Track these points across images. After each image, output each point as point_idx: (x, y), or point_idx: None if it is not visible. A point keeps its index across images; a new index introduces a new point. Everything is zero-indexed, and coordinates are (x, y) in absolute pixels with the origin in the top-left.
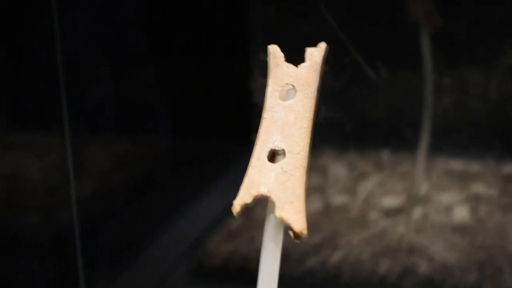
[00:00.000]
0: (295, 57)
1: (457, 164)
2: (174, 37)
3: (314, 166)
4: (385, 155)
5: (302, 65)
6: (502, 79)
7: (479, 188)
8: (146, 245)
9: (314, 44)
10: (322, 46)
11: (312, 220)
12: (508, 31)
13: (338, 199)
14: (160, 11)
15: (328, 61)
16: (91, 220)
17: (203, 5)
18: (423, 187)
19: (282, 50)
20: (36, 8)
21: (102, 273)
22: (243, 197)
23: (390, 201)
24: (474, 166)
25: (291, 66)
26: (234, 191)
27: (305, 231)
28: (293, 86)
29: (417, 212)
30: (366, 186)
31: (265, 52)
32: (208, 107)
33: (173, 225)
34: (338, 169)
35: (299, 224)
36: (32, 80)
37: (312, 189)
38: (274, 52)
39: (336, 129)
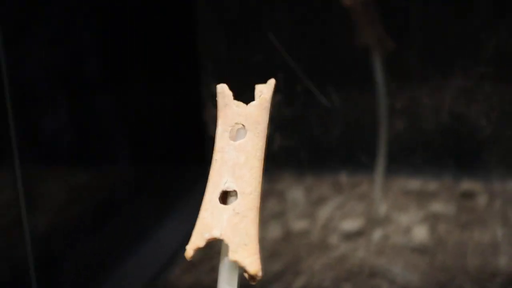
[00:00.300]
0: (245, 88)
1: (414, 184)
2: (128, 66)
3: (272, 192)
4: (342, 178)
5: (252, 103)
6: (453, 100)
7: (437, 207)
8: (105, 278)
9: (266, 73)
10: (271, 82)
11: (273, 247)
12: (458, 53)
13: (298, 224)
14: (113, 39)
15: (280, 89)
16: (47, 256)
17: (157, 33)
18: (382, 209)
19: (232, 81)
20: None
21: None
22: (195, 241)
23: (350, 224)
24: (431, 185)
25: (240, 104)
26: (191, 221)
27: (260, 273)
28: (243, 125)
29: (377, 234)
30: (325, 210)
31: (215, 82)
32: (163, 136)
33: (133, 257)
34: (296, 194)
35: (253, 266)
36: None
37: (271, 215)
38: (223, 91)
39: (292, 155)
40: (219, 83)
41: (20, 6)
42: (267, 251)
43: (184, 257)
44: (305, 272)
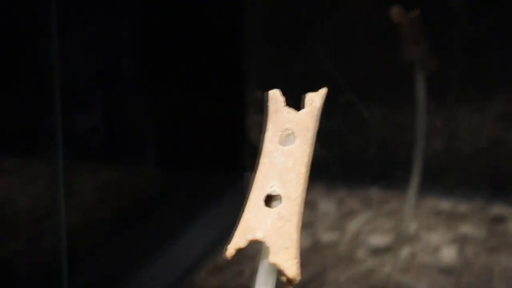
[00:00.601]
0: (286, 97)
1: (445, 205)
2: (170, 68)
3: (304, 203)
4: (374, 193)
5: (303, 110)
6: (492, 123)
7: (466, 229)
8: (132, 277)
9: (309, 83)
10: (323, 91)
11: (300, 256)
12: (500, 76)
13: (326, 235)
14: (156, 41)
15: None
16: (77, 249)
17: (200, 38)
18: (411, 227)
19: (277, 88)
20: (35, 32)
21: None
22: (238, 242)
23: (378, 239)
24: (462, 207)
25: (291, 110)
26: (221, 225)
27: (298, 277)
28: (292, 131)
29: (404, 252)
30: (355, 224)
31: (259, 89)
32: (200, 140)
33: (160, 257)
34: (327, 205)
35: (293, 270)
36: (27, 104)
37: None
38: (275, 96)
39: (326, 166)
40: (262, 90)
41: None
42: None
43: (210, 261)
44: (330, 284)
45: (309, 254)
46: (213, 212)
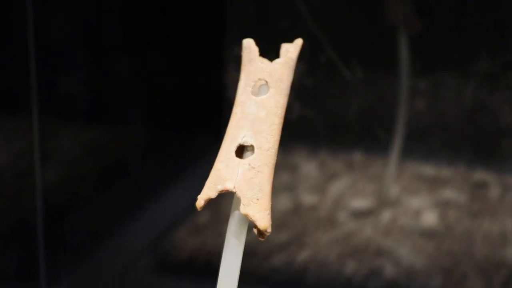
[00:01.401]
0: (269, 52)
1: (428, 169)
2: (148, 28)
3: (285, 164)
4: (357, 156)
5: (277, 60)
6: (477, 86)
7: (448, 193)
8: (111, 236)
9: (289, 40)
10: (298, 42)
11: (281, 218)
12: (485, 38)
13: (308, 198)
14: (136, 2)
15: (303, 58)
16: (55, 208)
17: None
18: (393, 190)
19: (257, 44)
20: None
21: (64, 262)
22: (208, 192)
23: (359, 202)
24: (445, 172)
25: (265, 61)
26: (202, 185)
27: (269, 229)
28: (266, 81)
29: (385, 215)
30: (337, 187)
31: (240, 47)
32: (180, 99)
33: (140, 217)
34: (309, 168)
35: (264, 221)
36: (2, 64)
37: (282, 187)
38: (249, 46)
39: (308, 127)
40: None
41: None
42: (275, 222)
43: (190, 220)
44: (311, 245)
45: (290, 216)
46: (195, 173)
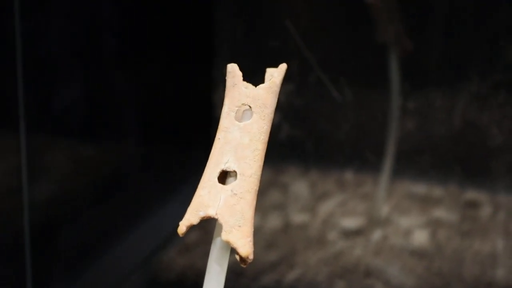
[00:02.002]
0: (259, 72)
1: (418, 188)
2: (141, 45)
3: (275, 183)
4: (347, 175)
5: (261, 86)
6: (466, 105)
7: (439, 213)
8: (101, 255)
9: (278, 60)
10: (283, 67)
11: (271, 237)
12: (475, 58)
13: (298, 217)
14: (129, 18)
15: (292, 78)
16: (43, 226)
17: (172, 15)
18: (384, 210)
19: (246, 65)
20: None
21: (53, 280)
22: (189, 218)
23: (350, 222)
24: (436, 191)
25: (249, 85)
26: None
27: (251, 256)
28: (249, 106)
29: (376, 235)
30: (327, 206)
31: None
32: (173, 116)
33: (130, 235)
34: (299, 187)
35: (245, 249)
36: None
37: (272, 206)
38: (233, 70)
39: (298, 147)
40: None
41: None
42: (265, 241)
43: (180, 240)
44: (300, 265)
45: (280, 235)
46: (186, 190)
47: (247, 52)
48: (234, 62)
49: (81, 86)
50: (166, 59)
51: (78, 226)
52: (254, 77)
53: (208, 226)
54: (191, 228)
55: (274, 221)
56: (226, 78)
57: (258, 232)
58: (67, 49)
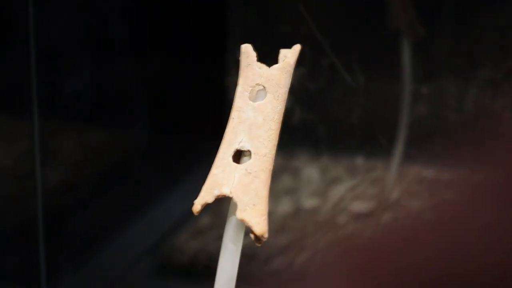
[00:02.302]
0: (271, 57)
1: (429, 172)
2: (150, 31)
3: (287, 168)
4: (358, 160)
5: (275, 66)
6: (478, 91)
7: (449, 196)
8: (112, 238)
9: (291, 44)
10: (296, 48)
11: (281, 222)
12: (488, 44)
13: (308, 202)
14: (139, 4)
15: (305, 62)
16: (56, 210)
17: (182, 0)
18: (394, 193)
19: (259, 49)
20: None
21: (64, 264)
22: (204, 197)
23: (360, 206)
24: (446, 175)
25: (263, 66)
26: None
27: (266, 235)
28: (263, 87)
29: (385, 217)
30: (337, 190)
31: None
32: (183, 102)
33: (141, 219)
34: (310, 172)
35: (260, 227)
36: (2, 65)
37: (283, 191)
38: (247, 51)
39: (310, 132)
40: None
41: None
42: (276, 225)
43: (192, 223)
44: (310, 248)
45: (290, 219)
46: (197, 176)
47: (260, 37)
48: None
49: (92, 73)
50: (177, 45)
51: (89, 210)
52: (266, 60)
53: (220, 209)
54: (204, 209)
55: (284, 206)
56: (240, 58)
57: (269, 216)
58: (79, 37)
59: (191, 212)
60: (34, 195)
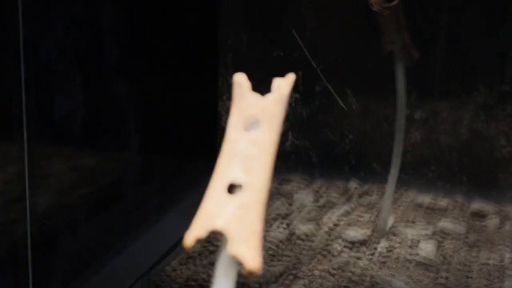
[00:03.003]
0: (263, 82)
1: (424, 198)
2: (144, 55)
3: (280, 193)
4: (352, 185)
5: (269, 96)
6: (473, 116)
7: (445, 223)
8: (101, 265)
9: (283, 69)
10: (291, 77)
11: (275, 247)
12: (482, 69)
13: (302, 227)
14: (132, 27)
15: (298, 88)
16: (44, 235)
17: (176, 24)
18: (389, 220)
19: (251, 74)
20: (1, 14)
21: None
22: (196, 231)
23: (355, 232)
24: (442, 201)
25: (257, 96)
26: (195, 214)
27: (259, 269)
28: (258, 118)
29: (381, 245)
30: (332, 216)
31: (232, 76)
32: (176, 126)
33: (132, 245)
34: (304, 197)
35: (253, 262)
36: None
37: (277, 216)
38: (240, 81)
39: (304, 156)
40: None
41: None
42: (270, 251)
43: (183, 250)
44: (305, 276)
45: (284, 245)
46: (190, 200)
47: (252, 62)
48: (239, 71)
49: (83, 95)
50: (170, 68)
51: (78, 236)
52: (259, 86)
53: (210, 236)
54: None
55: (278, 231)
56: (233, 88)
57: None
58: (69, 58)
59: (182, 238)
60: (23, 219)
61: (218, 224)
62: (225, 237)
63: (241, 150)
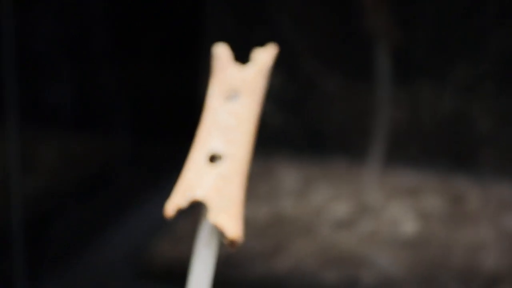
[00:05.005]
0: (247, 61)
1: (407, 177)
2: (133, 40)
3: (265, 173)
4: (337, 164)
5: (250, 67)
6: (454, 96)
7: (428, 202)
8: (91, 246)
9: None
10: (272, 48)
11: (260, 227)
12: (462, 49)
13: (288, 207)
14: (117, 13)
15: (283, 69)
16: (34, 218)
17: (161, 11)
18: (373, 199)
19: (234, 53)
20: None
21: (44, 272)
22: (176, 201)
23: (340, 212)
24: (424, 180)
25: (237, 68)
26: None
27: (240, 239)
28: (238, 89)
29: (365, 224)
30: (317, 196)
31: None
32: (162, 110)
33: (120, 226)
34: (289, 176)
35: (234, 231)
36: None
37: (262, 196)
38: (221, 51)
39: (288, 137)
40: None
41: None
42: (255, 230)
43: (170, 231)
44: (289, 255)
45: (269, 225)
46: (175, 181)
47: (236, 42)
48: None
49: (72, 81)
50: (156, 54)
51: (68, 219)
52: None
53: (199, 215)
54: (181, 215)
55: (263, 211)
56: (214, 59)
57: (246, 222)
58: (59, 46)
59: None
60: (11, 203)
61: (199, 193)
62: (206, 207)
63: (222, 121)
